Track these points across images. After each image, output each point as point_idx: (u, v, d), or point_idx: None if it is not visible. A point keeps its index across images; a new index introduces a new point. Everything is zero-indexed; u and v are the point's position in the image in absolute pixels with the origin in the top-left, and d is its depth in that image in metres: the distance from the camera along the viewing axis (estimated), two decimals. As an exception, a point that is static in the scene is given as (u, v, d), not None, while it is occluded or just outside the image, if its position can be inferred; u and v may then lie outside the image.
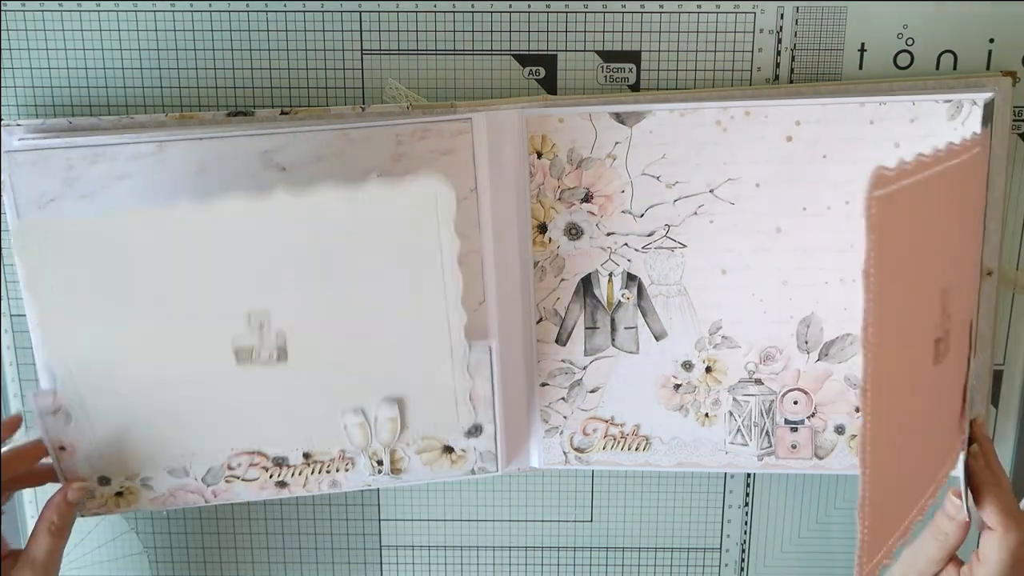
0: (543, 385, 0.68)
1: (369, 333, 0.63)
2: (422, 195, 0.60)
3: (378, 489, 0.72)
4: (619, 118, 0.62)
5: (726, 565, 0.75)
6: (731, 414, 0.66)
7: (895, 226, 0.45)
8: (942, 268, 0.52)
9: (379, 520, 0.73)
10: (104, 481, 0.64)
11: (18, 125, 0.61)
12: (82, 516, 0.65)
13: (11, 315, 0.68)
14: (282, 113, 0.63)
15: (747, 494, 0.73)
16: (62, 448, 0.62)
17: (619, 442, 0.68)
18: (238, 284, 0.61)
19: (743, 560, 0.74)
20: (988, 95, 0.59)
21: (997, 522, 0.57)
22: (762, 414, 0.66)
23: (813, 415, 0.66)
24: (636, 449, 0.68)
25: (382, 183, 0.60)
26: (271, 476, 0.66)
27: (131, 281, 0.60)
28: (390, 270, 0.61)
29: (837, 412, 0.66)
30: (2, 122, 0.61)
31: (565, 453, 0.69)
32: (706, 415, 0.67)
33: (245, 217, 0.59)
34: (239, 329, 0.61)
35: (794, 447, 0.66)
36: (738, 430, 0.66)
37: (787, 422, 0.66)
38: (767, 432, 0.66)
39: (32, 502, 0.71)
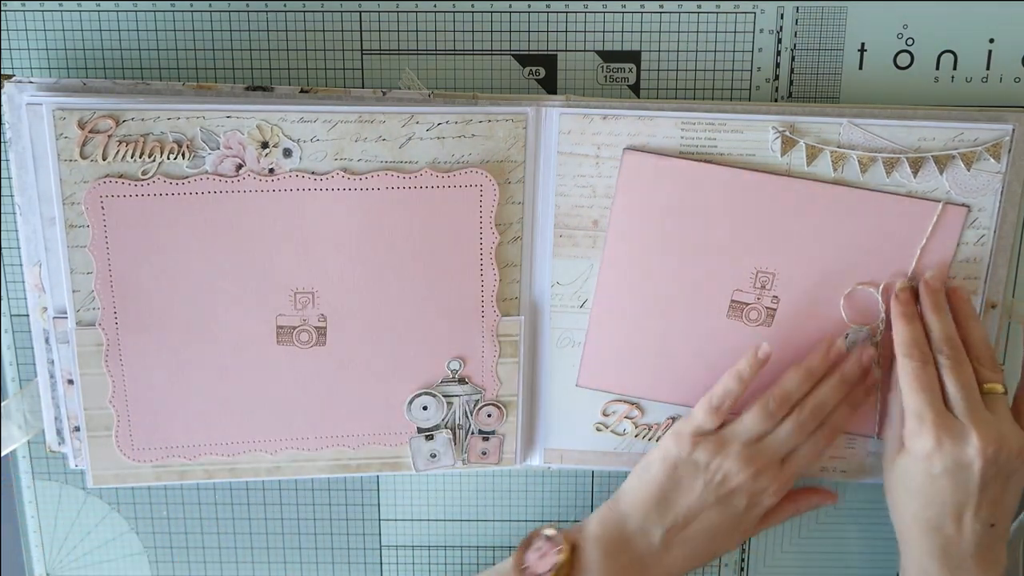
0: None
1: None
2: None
3: (378, 489, 0.72)
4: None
5: (726, 565, 0.75)
6: None
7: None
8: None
9: (379, 520, 0.73)
10: None
11: (30, 83, 0.58)
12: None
13: (11, 315, 0.68)
14: (301, 91, 0.62)
15: (747, 494, 0.73)
16: None
17: None
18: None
19: (743, 560, 0.74)
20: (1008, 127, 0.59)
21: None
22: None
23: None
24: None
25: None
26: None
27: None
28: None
29: None
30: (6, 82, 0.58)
31: None
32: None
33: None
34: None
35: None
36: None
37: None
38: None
39: (30, 488, 0.71)
